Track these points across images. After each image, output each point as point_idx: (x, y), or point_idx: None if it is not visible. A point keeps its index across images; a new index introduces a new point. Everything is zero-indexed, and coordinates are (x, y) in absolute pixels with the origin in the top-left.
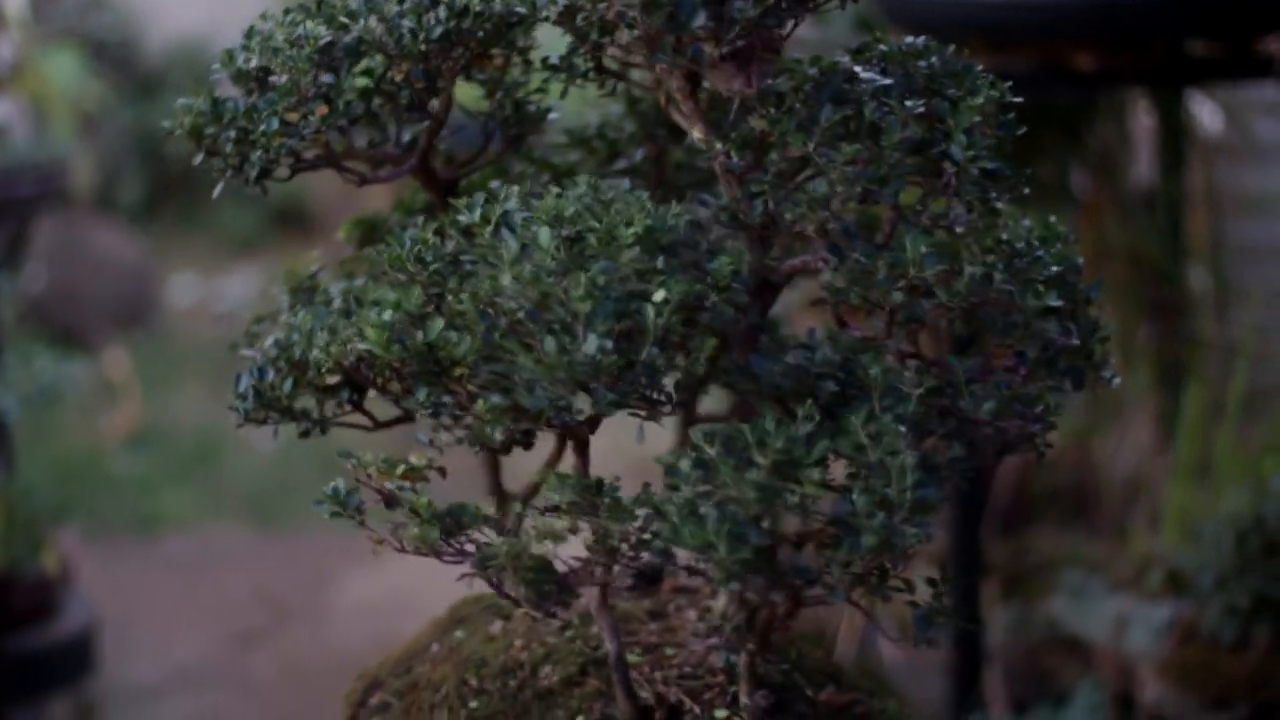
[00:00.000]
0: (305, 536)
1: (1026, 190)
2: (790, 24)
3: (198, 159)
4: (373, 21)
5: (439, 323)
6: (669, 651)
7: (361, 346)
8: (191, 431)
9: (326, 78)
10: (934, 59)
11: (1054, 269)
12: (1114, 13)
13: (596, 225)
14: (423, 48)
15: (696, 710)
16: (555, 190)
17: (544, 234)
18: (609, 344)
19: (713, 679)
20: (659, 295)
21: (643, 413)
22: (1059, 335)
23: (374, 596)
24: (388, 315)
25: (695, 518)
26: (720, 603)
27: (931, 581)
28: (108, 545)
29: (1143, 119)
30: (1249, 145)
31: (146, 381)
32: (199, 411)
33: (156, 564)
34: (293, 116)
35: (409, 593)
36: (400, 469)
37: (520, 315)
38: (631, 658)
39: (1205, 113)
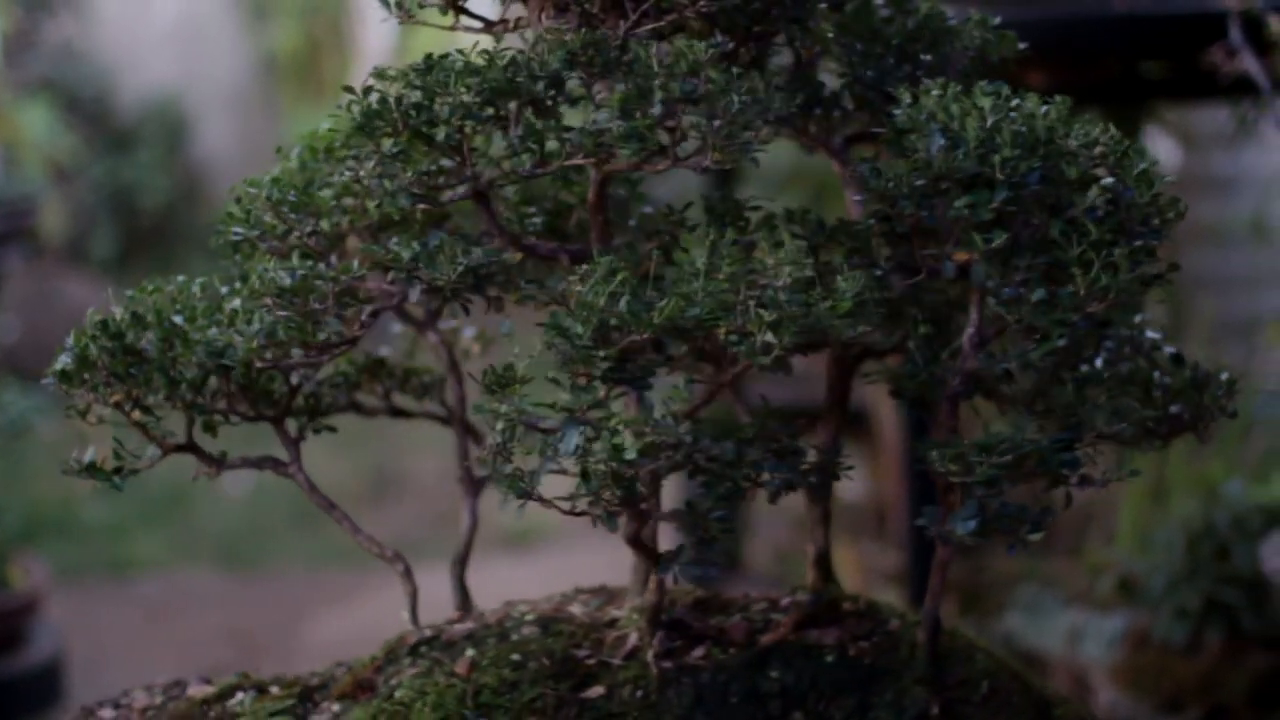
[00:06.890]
0: (276, 579)
1: None
2: None
3: None
4: None
5: None
6: None
7: None
8: (163, 478)
9: None
10: None
11: None
12: (1064, 31)
13: None
14: None
15: None
16: None
17: None
18: None
19: None
20: None
21: None
22: None
23: (343, 635)
24: None
25: None
26: None
27: None
28: (79, 587)
29: None
30: (1204, 177)
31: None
32: (170, 458)
33: (127, 604)
34: None
35: (378, 632)
36: None
37: None
38: None
39: (1161, 146)
